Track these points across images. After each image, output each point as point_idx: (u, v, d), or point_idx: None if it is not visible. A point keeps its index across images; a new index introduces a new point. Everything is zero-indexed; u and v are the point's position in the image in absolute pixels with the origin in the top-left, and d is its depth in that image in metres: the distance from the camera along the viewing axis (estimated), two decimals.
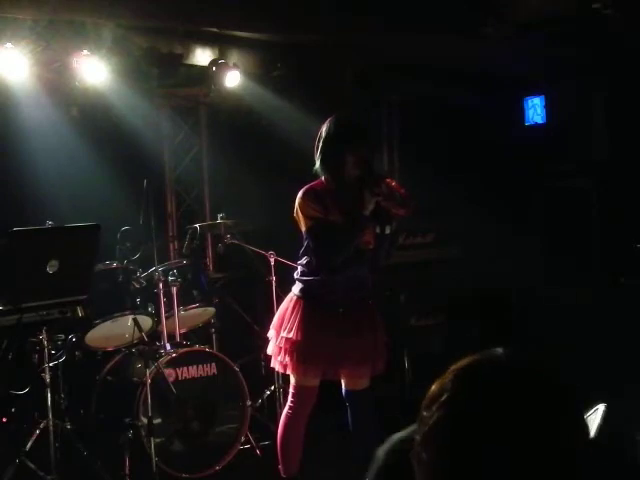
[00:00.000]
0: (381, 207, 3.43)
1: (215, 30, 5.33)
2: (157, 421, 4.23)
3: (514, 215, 6.57)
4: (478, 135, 6.61)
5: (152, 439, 4.04)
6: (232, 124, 6.30)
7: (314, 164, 3.59)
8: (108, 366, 4.57)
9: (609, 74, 6.01)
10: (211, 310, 4.98)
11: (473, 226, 5.96)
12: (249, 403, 4.53)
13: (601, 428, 1.50)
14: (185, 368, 4.40)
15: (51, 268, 3.90)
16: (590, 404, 1.56)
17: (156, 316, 4.61)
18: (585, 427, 1.08)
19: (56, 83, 5.18)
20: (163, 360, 4.29)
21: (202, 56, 5.60)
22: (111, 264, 4.64)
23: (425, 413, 1.06)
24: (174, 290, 4.57)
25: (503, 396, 1.03)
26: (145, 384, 4.11)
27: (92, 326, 4.48)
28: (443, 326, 5.87)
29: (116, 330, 4.56)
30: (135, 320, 4.33)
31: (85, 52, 4.85)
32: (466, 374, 1.06)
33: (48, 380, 4.06)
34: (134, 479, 4.15)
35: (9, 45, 4.54)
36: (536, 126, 6.76)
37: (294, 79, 5.87)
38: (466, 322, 5.76)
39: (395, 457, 1.80)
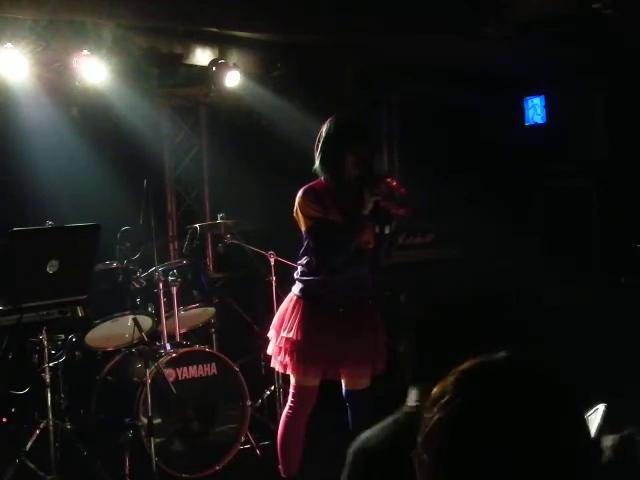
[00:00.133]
0: (380, 207, 3.43)
1: (215, 30, 5.33)
2: (157, 421, 4.23)
3: (514, 215, 6.57)
4: (478, 135, 6.61)
5: (152, 439, 4.04)
6: (232, 124, 6.30)
7: (314, 164, 3.59)
8: (108, 366, 4.57)
9: (609, 74, 6.02)
10: (211, 310, 4.98)
11: (473, 226, 5.96)
12: (249, 403, 4.53)
13: (601, 428, 1.50)
14: (185, 368, 4.40)
15: (51, 268, 3.90)
16: (590, 404, 1.56)
17: (156, 316, 4.61)
18: (585, 427, 1.08)
19: (56, 83, 5.18)
20: (163, 360, 4.29)
21: (202, 56, 5.60)
22: (111, 264, 4.63)
23: (426, 415, 1.06)
24: (174, 290, 4.57)
25: (503, 396, 1.03)
26: (145, 384, 4.11)
27: (92, 326, 4.48)
28: None
29: (116, 330, 4.56)
30: (135, 320, 4.33)
31: (85, 52, 4.85)
32: (467, 376, 1.07)
33: (48, 380, 4.06)
34: (134, 479, 4.15)
35: (9, 45, 4.54)
36: (536, 126, 6.77)
37: (294, 79, 5.87)
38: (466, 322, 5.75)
39: (364, 455, 1.82)
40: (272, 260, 4.83)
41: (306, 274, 3.64)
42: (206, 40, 5.57)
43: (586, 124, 6.37)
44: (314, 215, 3.52)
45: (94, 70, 4.92)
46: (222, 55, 5.63)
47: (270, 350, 3.74)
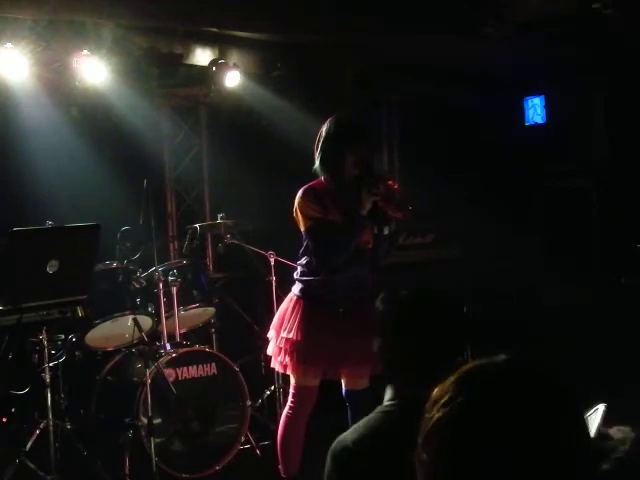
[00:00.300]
0: (379, 207, 3.43)
1: (215, 30, 5.33)
2: (157, 421, 4.23)
3: (514, 215, 6.57)
4: (478, 135, 6.61)
5: (152, 439, 4.04)
6: (232, 124, 6.31)
7: (314, 164, 3.59)
8: (108, 366, 4.57)
9: (609, 74, 6.02)
10: (211, 310, 4.98)
11: (473, 226, 5.96)
12: (249, 403, 4.53)
13: (601, 428, 1.50)
14: (185, 368, 4.40)
15: (51, 268, 3.90)
16: (590, 404, 1.57)
17: (156, 316, 4.61)
18: (585, 427, 1.08)
19: (56, 83, 5.18)
20: (163, 360, 4.29)
21: (202, 56, 5.61)
22: (111, 264, 4.63)
23: (427, 415, 1.06)
24: (174, 290, 4.57)
25: (503, 396, 1.03)
26: (145, 384, 4.11)
27: (92, 326, 4.48)
28: None
29: (116, 330, 4.56)
30: (135, 320, 4.33)
31: (85, 52, 4.85)
32: (467, 376, 1.07)
33: (48, 380, 4.06)
34: (134, 479, 4.15)
35: (9, 45, 4.54)
36: (536, 126, 6.77)
37: (294, 79, 5.88)
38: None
39: (342, 455, 1.83)
40: (272, 260, 4.83)
41: (306, 274, 3.64)
42: (206, 40, 5.57)
43: (586, 124, 6.37)
44: (314, 215, 3.51)
45: (94, 70, 4.92)
46: (222, 55, 5.64)
47: (270, 350, 3.74)
